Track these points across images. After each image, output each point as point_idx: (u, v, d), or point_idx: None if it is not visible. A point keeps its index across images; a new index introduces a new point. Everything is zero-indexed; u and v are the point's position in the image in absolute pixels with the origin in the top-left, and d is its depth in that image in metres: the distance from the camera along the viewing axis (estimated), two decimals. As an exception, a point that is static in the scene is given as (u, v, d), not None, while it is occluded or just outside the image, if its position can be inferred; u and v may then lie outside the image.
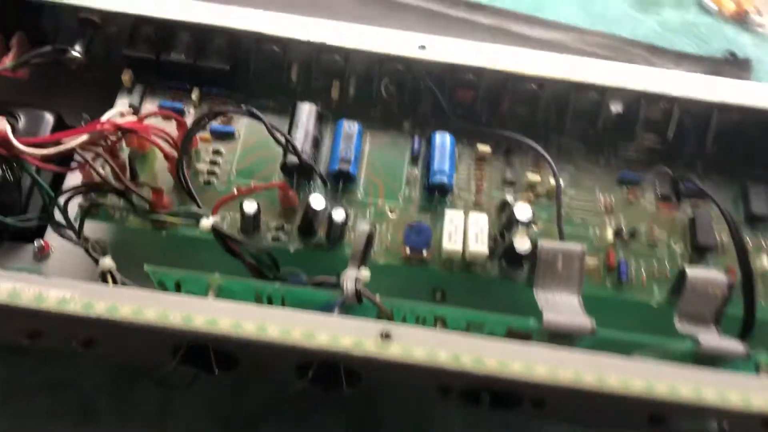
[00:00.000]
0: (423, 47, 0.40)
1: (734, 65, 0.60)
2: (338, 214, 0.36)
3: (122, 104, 0.40)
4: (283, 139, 0.37)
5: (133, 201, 0.35)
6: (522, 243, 0.35)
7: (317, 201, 0.36)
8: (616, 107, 0.41)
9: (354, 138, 0.39)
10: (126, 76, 0.40)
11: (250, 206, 0.35)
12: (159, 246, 0.37)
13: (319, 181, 0.39)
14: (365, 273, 0.33)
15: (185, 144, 0.36)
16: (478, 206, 0.39)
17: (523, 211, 0.37)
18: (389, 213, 0.39)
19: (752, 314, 0.35)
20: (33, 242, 0.38)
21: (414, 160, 0.41)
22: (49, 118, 0.40)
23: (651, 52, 0.60)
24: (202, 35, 0.40)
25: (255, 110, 0.36)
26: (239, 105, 0.40)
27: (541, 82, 0.40)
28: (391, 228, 0.38)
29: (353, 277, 0.33)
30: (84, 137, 0.34)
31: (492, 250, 0.37)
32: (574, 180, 0.41)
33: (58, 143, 0.34)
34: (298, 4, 0.53)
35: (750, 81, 0.57)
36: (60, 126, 0.40)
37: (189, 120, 0.40)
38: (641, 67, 0.41)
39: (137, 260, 0.35)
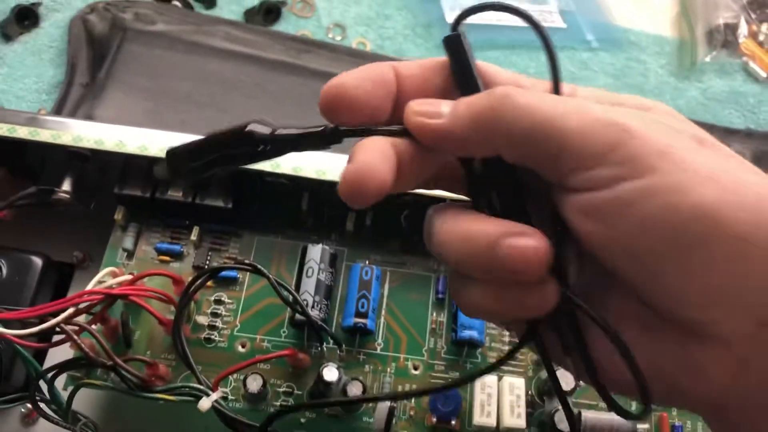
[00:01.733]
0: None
1: (788, 142, 0.55)
2: (354, 389, 0.32)
3: (115, 243, 0.37)
4: (290, 297, 0.33)
5: (124, 376, 0.31)
6: (563, 422, 0.31)
7: (330, 373, 0.32)
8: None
9: (371, 285, 0.35)
10: (119, 215, 0.36)
11: (254, 383, 0.31)
12: (157, 415, 0.34)
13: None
14: (384, 469, 0.29)
15: (181, 311, 0.32)
16: (512, 360, 0.35)
17: (564, 379, 0.32)
18: (413, 370, 0.35)
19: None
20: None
21: (439, 301, 0.36)
22: (37, 262, 0.36)
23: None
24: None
25: (259, 266, 0.32)
26: (242, 242, 0.37)
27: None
28: (416, 387, 0.34)
29: (371, 475, 0.29)
30: (69, 311, 0.31)
31: (529, 415, 0.33)
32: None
33: (42, 318, 0.31)
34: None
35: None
36: (49, 268, 0.37)
37: (188, 260, 0.36)
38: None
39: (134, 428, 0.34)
